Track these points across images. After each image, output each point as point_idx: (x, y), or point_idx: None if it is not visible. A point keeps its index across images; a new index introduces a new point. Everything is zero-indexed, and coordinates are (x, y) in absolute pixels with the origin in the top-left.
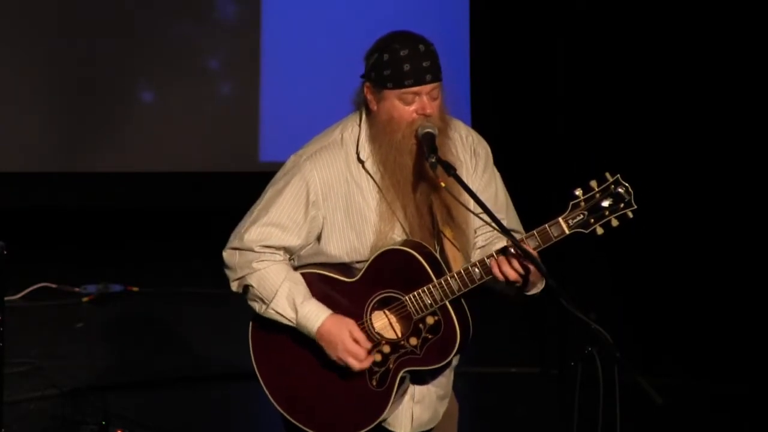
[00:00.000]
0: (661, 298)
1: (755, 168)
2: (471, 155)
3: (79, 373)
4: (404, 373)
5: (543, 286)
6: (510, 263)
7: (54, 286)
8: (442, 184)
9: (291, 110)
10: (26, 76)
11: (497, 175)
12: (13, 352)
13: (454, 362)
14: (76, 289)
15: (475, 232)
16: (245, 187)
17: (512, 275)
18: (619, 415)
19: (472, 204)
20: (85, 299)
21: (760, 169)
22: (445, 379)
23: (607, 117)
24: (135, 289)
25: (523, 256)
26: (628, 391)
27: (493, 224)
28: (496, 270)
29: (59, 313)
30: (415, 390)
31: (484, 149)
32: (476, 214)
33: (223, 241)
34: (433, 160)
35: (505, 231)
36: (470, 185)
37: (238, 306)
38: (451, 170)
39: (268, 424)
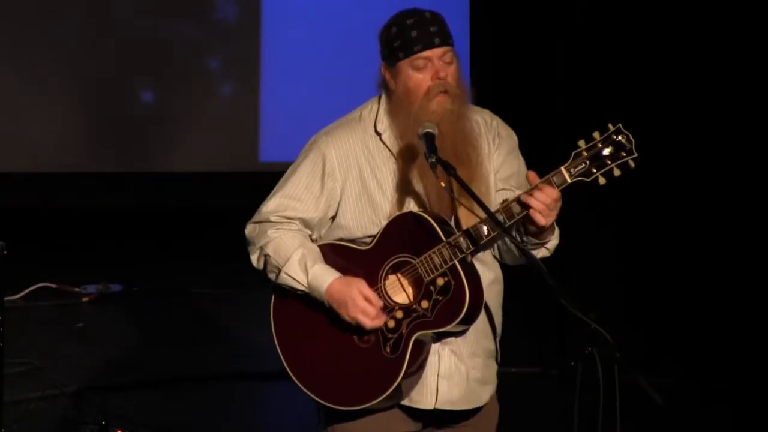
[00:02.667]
0: (661, 298)
1: (756, 168)
2: (493, 137)
3: (79, 373)
4: (418, 336)
5: (556, 241)
6: (544, 201)
7: (54, 286)
8: (442, 184)
9: (291, 110)
10: (26, 77)
11: (522, 160)
12: (13, 352)
13: (488, 345)
14: (76, 289)
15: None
16: (245, 187)
17: (552, 214)
18: (619, 415)
19: (486, 190)
20: (85, 299)
21: (761, 170)
22: (480, 360)
23: (609, 115)
24: (135, 289)
25: (521, 250)
26: (628, 391)
27: (494, 225)
28: (540, 205)
29: (59, 313)
30: (440, 365)
31: (508, 134)
32: (477, 211)
33: (223, 241)
34: (433, 160)
35: (505, 231)
36: (490, 164)
37: (238, 306)
38: (450, 170)
39: (268, 424)
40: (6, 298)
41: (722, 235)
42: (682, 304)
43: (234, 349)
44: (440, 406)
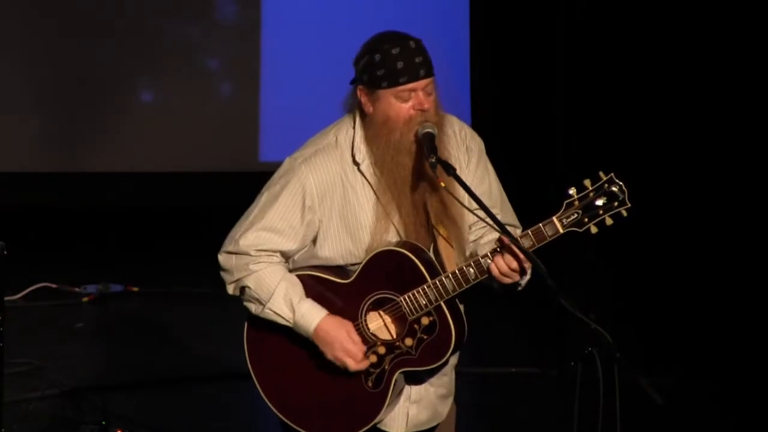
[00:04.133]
0: (661, 298)
1: (755, 168)
2: (465, 150)
3: (79, 373)
4: (400, 374)
5: (529, 277)
6: (509, 264)
7: (54, 286)
8: (442, 184)
9: (291, 110)
10: (26, 77)
11: (491, 169)
12: (13, 352)
13: (453, 361)
14: (76, 289)
15: (470, 228)
16: (245, 187)
17: (511, 277)
18: (619, 415)
19: (470, 202)
20: (85, 299)
21: (760, 169)
22: (447, 378)
23: (607, 115)
24: (135, 289)
25: (521, 253)
26: (628, 391)
27: (493, 224)
28: (496, 272)
29: (59, 313)
30: (411, 390)
31: (476, 144)
32: (475, 213)
33: (222, 241)
34: (433, 160)
35: (504, 230)
36: (465, 181)
37: (238, 306)
38: (451, 170)
39: (267, 424)
40: (6, 298)
41: (721, 234)
42: (681, 304)
43: (234, 349)
44: (410, 429)
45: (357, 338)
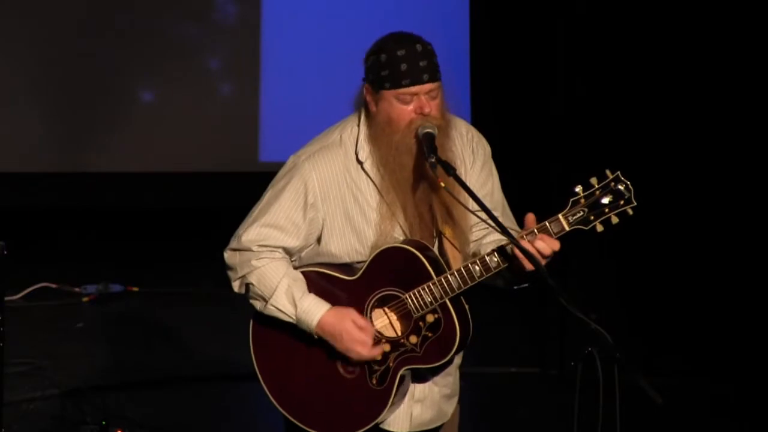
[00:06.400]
0: (661, 298)
1: (756, 167)
2: (470, 152)
3: (79, 373)
4: (404, 371)
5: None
6: (552, 246)
7: (54, 286)
8: (442, 184)
9: (291, 110)
10: (26, 76)
11: (495, 173)
12: (13, 352)
13: (458, 361)
14: (76, 289)
15: (471, 228)
16: (245, 187)
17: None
18: (619, 415)
19: (471, 203)
20: (85, 299)
21: (761, 169)
22: (451, 378)
23: (608, 115)
24: (135, 289)
25: (521, 253)
26: (628, 391)
27: (493, 224)
28: (534, 251)
29: (59, 313)
30: (415, 389)
31: (483, 147)
32: (475, 214)
33: (223, 241)
34: (433, 160)
35: (504, 231)
36: (467, 182)
37: (238, 306)
38: (450, 170)
39: (267, 424)
40: (6, 298)
41: (722, 234)
42: (682, 303)
43: (234, 349)
44: (413, 429)
45: (363, 322)
